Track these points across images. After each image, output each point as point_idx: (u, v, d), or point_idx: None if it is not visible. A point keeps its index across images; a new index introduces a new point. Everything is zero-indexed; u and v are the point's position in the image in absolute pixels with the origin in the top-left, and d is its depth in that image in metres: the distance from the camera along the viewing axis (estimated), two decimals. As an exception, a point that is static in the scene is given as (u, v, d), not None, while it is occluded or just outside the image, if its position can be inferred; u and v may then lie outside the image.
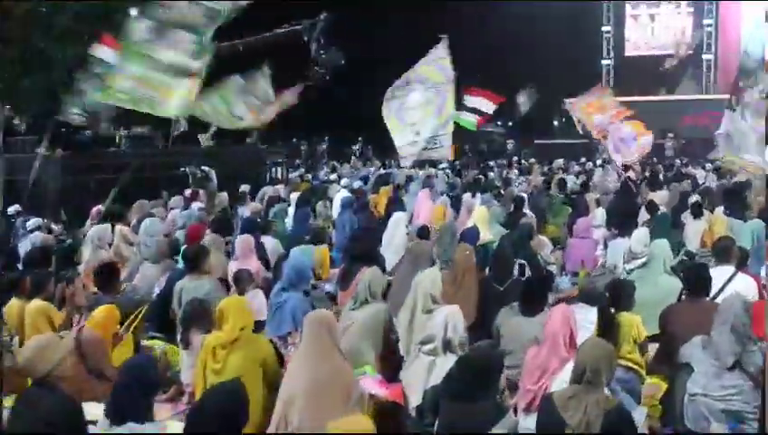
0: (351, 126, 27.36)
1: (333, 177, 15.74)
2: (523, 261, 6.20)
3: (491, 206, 9.25)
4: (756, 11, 18.67)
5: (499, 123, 31.59)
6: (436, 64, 14.09)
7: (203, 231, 7.15)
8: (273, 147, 23.66)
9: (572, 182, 13.56)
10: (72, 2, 13.66)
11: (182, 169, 11.71)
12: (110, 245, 7.22)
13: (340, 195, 12.00)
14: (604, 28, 29.22)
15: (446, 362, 3.77)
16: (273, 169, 16.87)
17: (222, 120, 7.58)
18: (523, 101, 20.92)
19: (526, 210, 9.31)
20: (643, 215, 8.96)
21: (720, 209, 8.42)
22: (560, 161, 19.20)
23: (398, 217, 7.93)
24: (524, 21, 27.13)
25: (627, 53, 29.14)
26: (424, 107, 14.39)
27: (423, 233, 7.49)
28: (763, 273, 5.90)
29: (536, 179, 14.01)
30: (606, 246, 7.73)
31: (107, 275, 4.93)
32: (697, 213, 8.52)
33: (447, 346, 3.89)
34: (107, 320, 4.20)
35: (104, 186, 10.68)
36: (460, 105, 18.62)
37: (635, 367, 4.38)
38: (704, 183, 12.69)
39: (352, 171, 17.61)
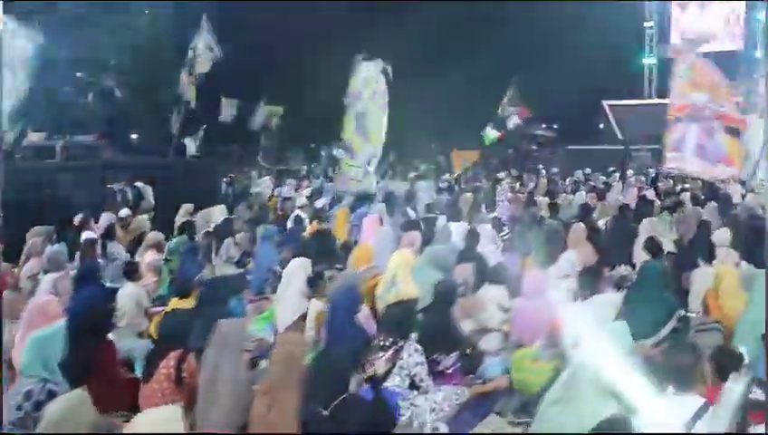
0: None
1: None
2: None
3: (445, 241, 7.10)
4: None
5: (544, 125, 29.69)
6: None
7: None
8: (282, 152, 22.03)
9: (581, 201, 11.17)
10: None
11: (109, 185, 10.02)
12: None
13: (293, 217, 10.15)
14: (646, 24, 26.70)
15: None
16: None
17: None
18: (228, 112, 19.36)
19: (488, 247, 7.16)
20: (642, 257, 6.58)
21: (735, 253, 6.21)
22: (578, 173, 16.67)
23: (296, 263, 5.87)
24: (562, 20, 25.15)
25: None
26: (380, 122, 11.63)
27: (314, 286, 5.48)
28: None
29: (540, 198, 11.57)
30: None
31: None
32: (710, 255, 6.35)
33: None
34: None
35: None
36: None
37: None
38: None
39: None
